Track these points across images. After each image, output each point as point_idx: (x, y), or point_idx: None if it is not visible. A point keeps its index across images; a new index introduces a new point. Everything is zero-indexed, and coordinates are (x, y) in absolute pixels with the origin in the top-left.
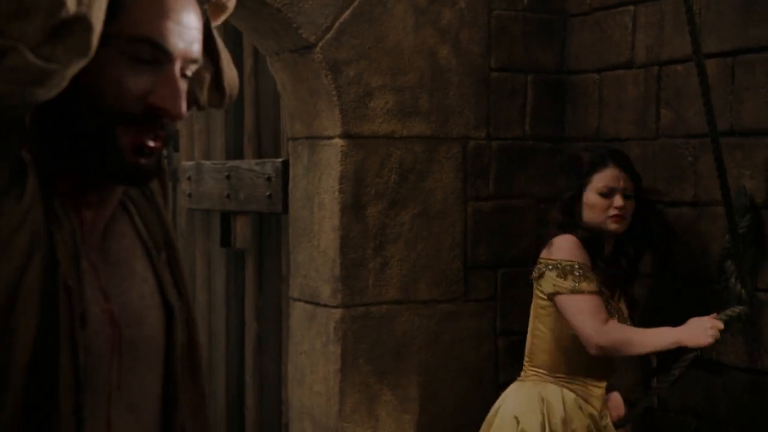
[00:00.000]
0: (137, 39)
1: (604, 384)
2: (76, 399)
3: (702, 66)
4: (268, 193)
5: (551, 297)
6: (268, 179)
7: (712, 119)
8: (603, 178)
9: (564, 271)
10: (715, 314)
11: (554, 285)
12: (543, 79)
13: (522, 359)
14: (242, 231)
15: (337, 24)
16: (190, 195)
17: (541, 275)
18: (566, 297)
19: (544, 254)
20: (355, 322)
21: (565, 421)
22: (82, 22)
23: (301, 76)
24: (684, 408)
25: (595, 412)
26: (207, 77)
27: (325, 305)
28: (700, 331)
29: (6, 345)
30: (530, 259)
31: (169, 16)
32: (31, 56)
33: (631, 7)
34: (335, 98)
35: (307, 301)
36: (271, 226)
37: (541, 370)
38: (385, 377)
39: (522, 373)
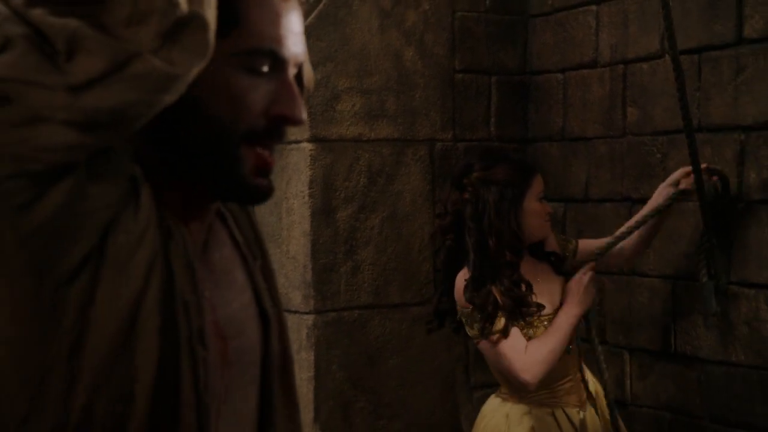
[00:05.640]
0: (259, 52)
1: (570, 383)
2: (197, 417)
3: (678, 62)
4: None
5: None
6: None
7: (687, 115)
8: (538, 183)
9: (469, 319)
10: (588, 265)
11: (469, 331)
12: (507, 80)
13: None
14: None
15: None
16: None
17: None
18: (482, 344)
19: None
20: (327, 327)
21: None
22: (196, 20)
23: None
24: (658, 402)
25: (578, 417)
26: None
27: (296, 312)
28: (585, 294)
29: (128, 367)
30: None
31: (283, 24)
32: (158, 62)
33: (594, 7)
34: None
35: None
36: None
37: (515, 395)
38: (359, 383)
39: (502, 392)
